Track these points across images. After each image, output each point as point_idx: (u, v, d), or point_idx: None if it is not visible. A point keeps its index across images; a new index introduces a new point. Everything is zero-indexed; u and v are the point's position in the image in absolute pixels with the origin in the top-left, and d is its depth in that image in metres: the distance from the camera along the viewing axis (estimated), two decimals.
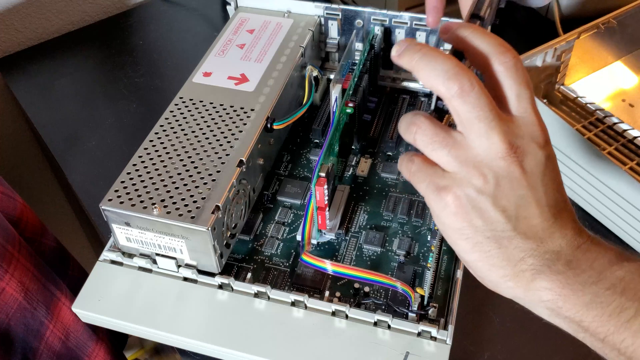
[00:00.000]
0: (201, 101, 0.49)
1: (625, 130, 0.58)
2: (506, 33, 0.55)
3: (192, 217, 0.40)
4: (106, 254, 0.45)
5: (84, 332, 0.57)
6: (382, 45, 0.57)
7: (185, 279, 0.44)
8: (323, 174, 0.42)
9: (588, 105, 0.61)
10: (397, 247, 0.46)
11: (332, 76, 0.59)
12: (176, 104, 0.49)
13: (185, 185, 0.43)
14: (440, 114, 0.35)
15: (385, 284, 0.42)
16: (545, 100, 0.63)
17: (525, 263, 0.32)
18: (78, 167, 0.60)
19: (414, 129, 0.34)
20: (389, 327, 0.40)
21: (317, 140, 0.56)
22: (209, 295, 0.43)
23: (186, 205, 0.41)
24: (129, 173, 0.43)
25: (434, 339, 0.40)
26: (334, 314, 0.41)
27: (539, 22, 0.73)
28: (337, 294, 0.43)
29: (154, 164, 0.44)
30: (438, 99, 0.35)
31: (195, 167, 0.44)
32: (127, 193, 0.42)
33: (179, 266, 0.43)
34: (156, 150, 0.45)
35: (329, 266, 0.42)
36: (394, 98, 0.59)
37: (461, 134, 0.32)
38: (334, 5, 0.57)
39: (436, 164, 0.33)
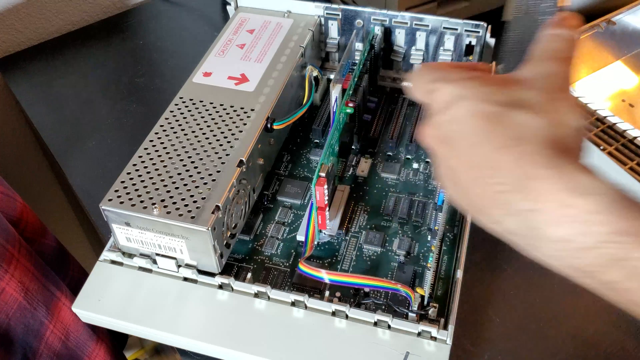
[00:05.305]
0: (201, 101, 0.49)
1: (625, 130, 0.58)
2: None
3: (192, 217, 0.40)
4: (106, 254, 0.45)
5: (84, 332, 0.57)
6: (382, 45, 0.57)
7: (185, 279, 0.44)
8: (323, 174, 0.42)
9: (588, 105, 0.61)
10: (397, 247, 0.46)
11: (332, 76, 0.59)
12: (176, 104, 0.49)
13: (185, 185, 0.43)
14: None
15: (385, 288, 0.42)
16: None
17: None
18: (78, 167, 0.60)
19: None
20: (389, 327, 0.40)
21: (317, 140, 0.56)
22: (209, 295, 0.43)
23: (186, 205, 0.41)
24: (129, 173, 0.43)
25: (434, 339, 0.40)
26: (334, 314, 0.41)
27: None
28: (337, 294, 0.43)
29: (154, 164, 0.44)
30: None
31: (195, 167, 0.44)
32: (127, 193, 0.42)
33: (179, 266, 0.43)
34: (156, 150, 0.45)
35: (325, 275, 0.42)
36: (394, 98, 0.59)
37: None
38: (334, 5, 0.57)
39: None
